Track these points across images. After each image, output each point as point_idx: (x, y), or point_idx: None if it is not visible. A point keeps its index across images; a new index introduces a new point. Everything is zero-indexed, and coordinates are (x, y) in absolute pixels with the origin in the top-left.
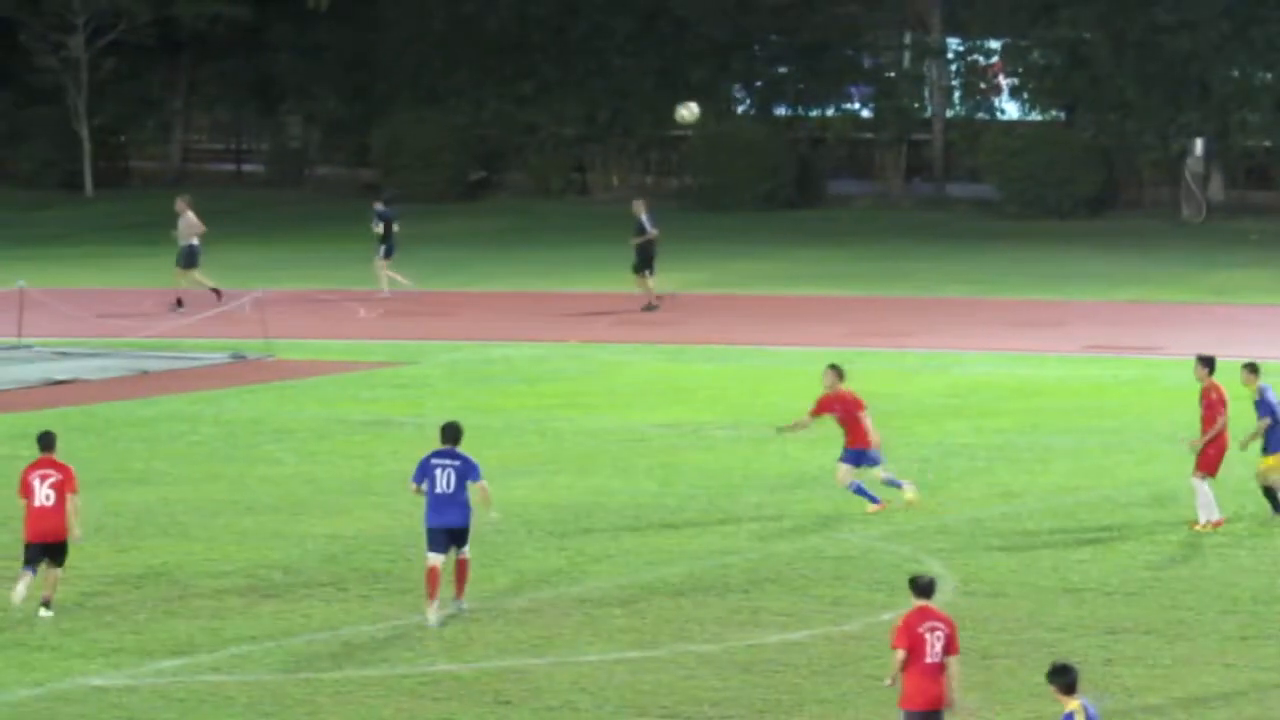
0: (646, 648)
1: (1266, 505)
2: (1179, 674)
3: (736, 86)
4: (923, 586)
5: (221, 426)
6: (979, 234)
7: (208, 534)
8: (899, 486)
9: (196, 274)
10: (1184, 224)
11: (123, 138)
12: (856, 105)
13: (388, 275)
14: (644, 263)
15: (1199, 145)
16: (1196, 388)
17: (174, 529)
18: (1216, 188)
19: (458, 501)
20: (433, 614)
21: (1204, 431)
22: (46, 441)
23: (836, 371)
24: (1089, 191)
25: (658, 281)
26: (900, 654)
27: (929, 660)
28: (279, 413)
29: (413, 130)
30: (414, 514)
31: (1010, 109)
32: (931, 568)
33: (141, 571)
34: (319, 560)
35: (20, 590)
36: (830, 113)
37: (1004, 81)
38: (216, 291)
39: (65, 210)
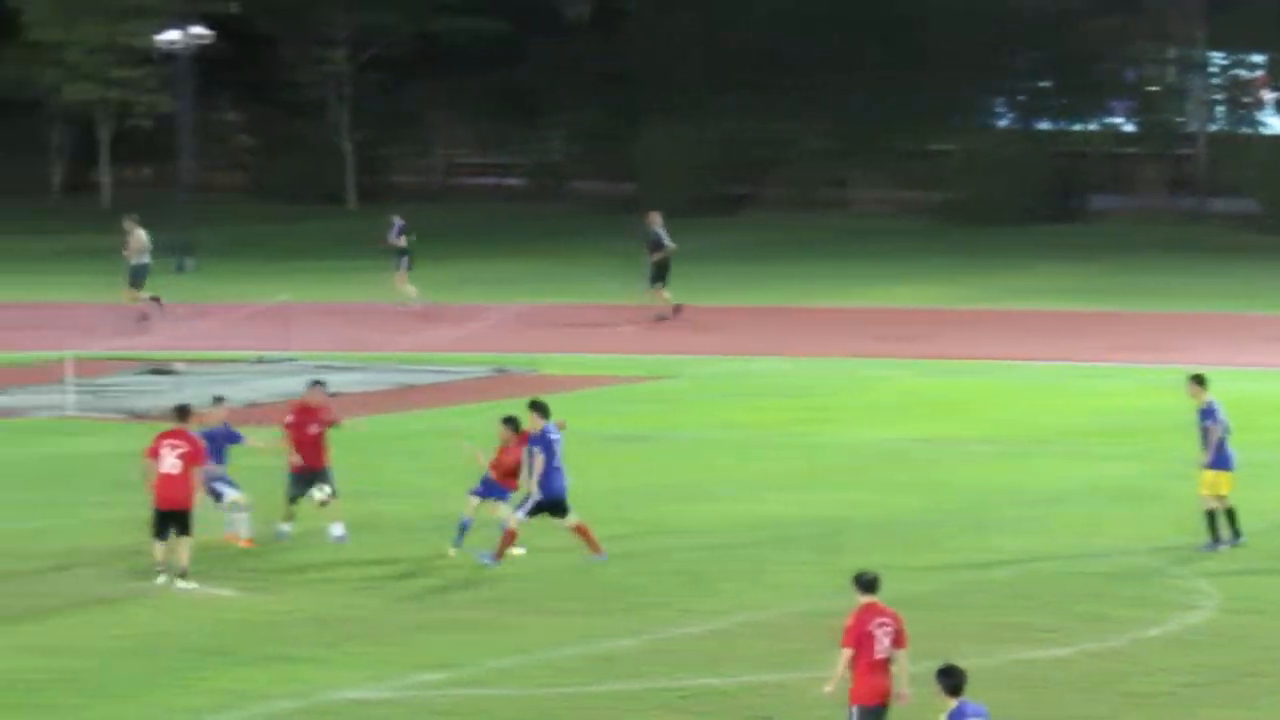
0: None
1: None
2: None
3: (998, 100)
4: (867, 582)
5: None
6: (1238, 248)
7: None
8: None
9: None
10: None
11: (383, 152)
12: (1118, 119)
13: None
14: (659, 276)
15: None
16: None
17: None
18: None
19: (563, 472)
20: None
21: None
22: None
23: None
24: None
25: (673, 293)
26: (848, 652)
27: (878, 656)
28: None
29: (670, 144)
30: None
31: (1274, 123)
32: (1199, 586)
33: (399, 576)
34: (569, 574)
35: None
36: (1091, 127)
37: (1268, 95)
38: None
39: (326, 224)
